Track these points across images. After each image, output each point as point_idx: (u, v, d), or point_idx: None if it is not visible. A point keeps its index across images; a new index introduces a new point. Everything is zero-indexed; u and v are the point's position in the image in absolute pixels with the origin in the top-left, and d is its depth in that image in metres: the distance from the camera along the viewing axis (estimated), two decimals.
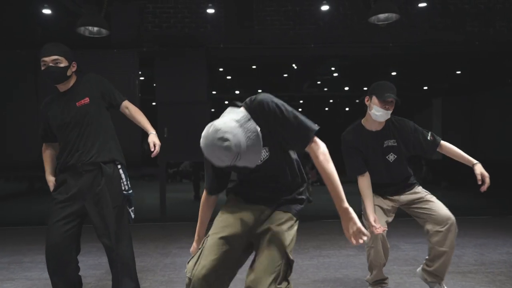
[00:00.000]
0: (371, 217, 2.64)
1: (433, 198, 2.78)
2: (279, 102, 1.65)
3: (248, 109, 1.62)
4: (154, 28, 6.10)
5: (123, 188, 2.56)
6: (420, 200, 2.78)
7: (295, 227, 1.82)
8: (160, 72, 6.19)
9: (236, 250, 1.76)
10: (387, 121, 2.75)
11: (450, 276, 3.33)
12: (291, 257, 1.72)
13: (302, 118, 1.66)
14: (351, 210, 1.65)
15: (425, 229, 2.75)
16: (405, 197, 2.81)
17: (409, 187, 2.82)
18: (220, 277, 1.71)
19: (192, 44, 6.03)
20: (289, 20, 6.21)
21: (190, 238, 1.94)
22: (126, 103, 2.63)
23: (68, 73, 2.52)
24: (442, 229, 2.67)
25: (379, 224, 2.65)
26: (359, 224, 1.62)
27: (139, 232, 5.00)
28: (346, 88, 12.17)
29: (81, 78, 2.60)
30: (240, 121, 1.49)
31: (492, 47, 6.33)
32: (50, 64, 2.45)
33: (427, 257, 2.84)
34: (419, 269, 2.94)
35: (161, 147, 2.57)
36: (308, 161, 10.65)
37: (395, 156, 2.75)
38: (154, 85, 9.31)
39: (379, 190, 2.81)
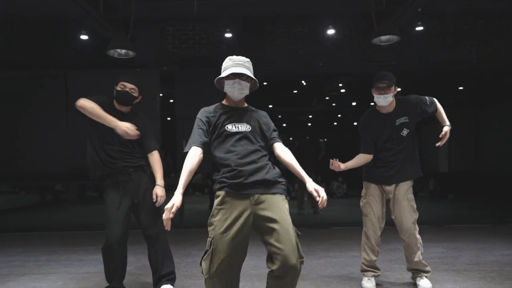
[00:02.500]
0: (344, 164, 3.24)
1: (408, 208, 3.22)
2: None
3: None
4: (174, 49, 6.61)
5: None
6: (401, 200, 3.21)
7: (285, 201, 2.23)
8: (179, 89, 6.66)
9: (242, 241, 2.10)
10: (396, 101, 3.21)
11: (445, 273, 3.68)
12: (299, 233, 2.15)
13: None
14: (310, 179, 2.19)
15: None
16: (398, 191, 3.21)
17: (403, 176, 3.22)
18: (234, 267, 2.13)
19: (208, 63, 6.49)
20: (299, 40, 6.69)
21: None
22: (155, 152, 3.13)
23: (134, 102, 3.11)
24: (406, 239, 3.20)
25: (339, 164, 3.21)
26: (315, 184, 2.16)
27: None
28: (354, 103, 12.58)
29: (136, 111, 3.17)
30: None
31: (490, 65, 6.72)
32: (127, 89, 3.02)
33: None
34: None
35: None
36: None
37: (408, 130, 3.20)
38: (171, 101, 9.83)
39: (384, 172, 3.22)
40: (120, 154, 2.99)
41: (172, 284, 3.11)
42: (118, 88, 3.03)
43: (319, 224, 6.85)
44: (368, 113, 3.33)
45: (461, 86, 9.61)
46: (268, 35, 6.66)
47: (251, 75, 2.26)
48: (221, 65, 2.35)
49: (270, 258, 2.11)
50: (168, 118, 11.30)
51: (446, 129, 3.16)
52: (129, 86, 3.03)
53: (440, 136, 3.15)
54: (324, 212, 8.32)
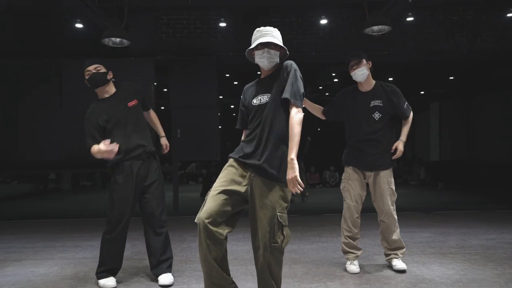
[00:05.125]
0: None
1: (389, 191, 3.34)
2: (297, 69, 2.30)
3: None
4: (168, 38, 6.63)
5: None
6: (382, 184, 3.33)
7: (283, 190, 2.25)
8: (173, 78, 6.70)
9: (233, 200, 2.23)
10: (376, 84, 3.35)
11: (431, 256, 3.83)
12: (280, 220, 2.21)
13: (301, 87, 2.27)
14: (295, 161, 2.14)
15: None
16: (379, 176, 3.33)
17: (383, 165, 3.32)
18: (222, 221, 2.19)
19: (203, 52, 6.54)
20: (292, 30, 6.74)
21: None
22: (151, 110, 3.38)
23: (108, 77, 3.11)
24: (386, 220, 3.35)
25: None
26: (297, 173, 2.12)
27: None
28: None
29: (120, 86, 3.19)
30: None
31: (479, 55, 6.83)
32: (94, 71, 3.04)
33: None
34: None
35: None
36: (309, 167, 11.16)
37: (380, 115, 3.30)
38: (165, 90, 9.83)
39: (360, 154, 3.33)
40: (127, 141, 3.04)
41: (170, 271, 3.20)
42: (86, 77, 3.05)
43: (310, 211, 6.99)
44: (348, 88, 3.52)
45: (451, 76, 9.72)
46: (262, 25, 6.59)
47: (280, 43, 2.34)
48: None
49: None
50: (162, 107, 11.36)
51: (401, 147, 3.31)
52: (91, 67, 3.03)
53: (393, 151, 3.32)
54: (317, 200, 8.46)
